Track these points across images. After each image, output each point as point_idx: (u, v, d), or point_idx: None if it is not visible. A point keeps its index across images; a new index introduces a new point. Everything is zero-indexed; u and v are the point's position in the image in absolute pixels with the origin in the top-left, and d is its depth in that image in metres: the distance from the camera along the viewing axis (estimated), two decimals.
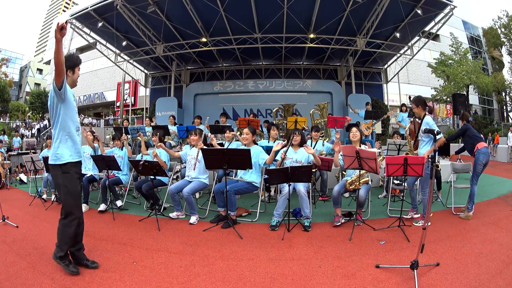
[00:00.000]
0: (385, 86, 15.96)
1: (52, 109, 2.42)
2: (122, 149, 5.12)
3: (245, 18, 10.25)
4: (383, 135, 13.00)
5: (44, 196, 5.32)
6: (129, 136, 7.11)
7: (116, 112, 23.32)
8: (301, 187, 3.60)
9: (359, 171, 3.61)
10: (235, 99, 14.27)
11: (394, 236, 3.27)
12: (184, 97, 14.46)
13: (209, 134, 6.73)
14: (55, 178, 2.50)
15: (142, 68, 15.64)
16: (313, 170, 4.19)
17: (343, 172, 4.36)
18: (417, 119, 3.94)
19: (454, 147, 6.23)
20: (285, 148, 3.82)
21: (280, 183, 3.73)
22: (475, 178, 3.96)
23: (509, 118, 22.98)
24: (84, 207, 4.57)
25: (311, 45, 11.56)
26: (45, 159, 5.09)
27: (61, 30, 2.00)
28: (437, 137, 2.68)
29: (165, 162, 4.38)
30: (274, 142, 5.17)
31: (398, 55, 13.72)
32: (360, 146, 3.87)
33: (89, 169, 5.10)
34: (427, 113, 3.72)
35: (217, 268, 2.58)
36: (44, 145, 6.57)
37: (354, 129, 4.06)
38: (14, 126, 17.65)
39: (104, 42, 12.65)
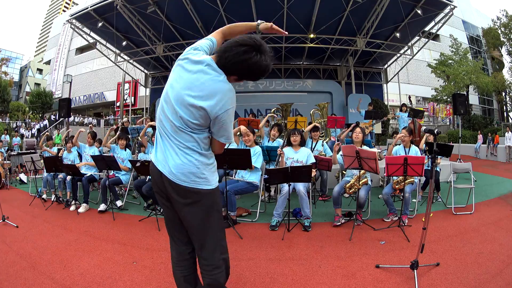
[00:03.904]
0: (385, 86, 15.98)
1: None
2: (125, 150, 5.08)
3: (245, 18, 10.23)
4: (383, 135, 13.01)
5: (44, 196, 5.31)
6: (129, 136, 7.09)
7: (116, 112, 23.32)
8: (301, 187, 3.60)
9: (359, 172, 3.61)
10: None
11: (394, 236, 3.26)
12: None
13: None
14: (210, 206, 1.50)
15: (142, 68, 15.63)
16: (313, 170, 4.18)
17: (343, 172, 4.35)
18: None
19: (455, 148, 6.14)
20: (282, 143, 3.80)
21: (280, 183, 3.73)
22: None
23: (509, 118, 22.99)
24: (84, 207, 4.57)
25: (311, 45, 11.57)
26: (46, 158, 5.10)
27: None
28: None
29: None
30: (274, 142, 5.17)
31: (398, 55, 13.74)
32: (362, 147, 3.87)
33: (89, 169, 5.10)
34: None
35: None
36: (44, 145, 6.53)
37: (358, 129, 4.05)
38: (14, 126, 17.62)
39: (104, 42, 12.66)
